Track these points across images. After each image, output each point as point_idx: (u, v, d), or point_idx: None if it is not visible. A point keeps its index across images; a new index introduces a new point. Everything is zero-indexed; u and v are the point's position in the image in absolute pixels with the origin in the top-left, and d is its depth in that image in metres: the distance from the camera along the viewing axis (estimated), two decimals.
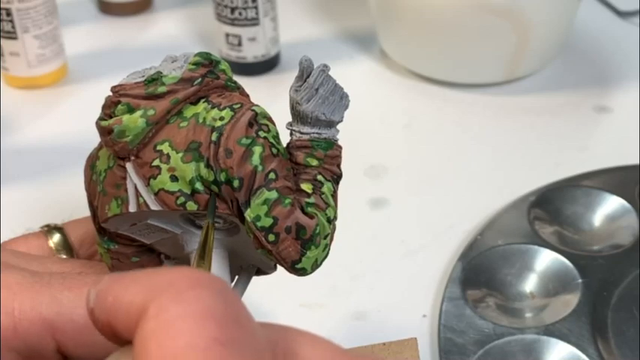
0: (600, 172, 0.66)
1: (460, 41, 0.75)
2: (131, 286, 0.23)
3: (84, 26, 0.89)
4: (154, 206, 0.32)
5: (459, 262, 0.58)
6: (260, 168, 0.31)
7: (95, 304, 0.24)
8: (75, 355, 0.30)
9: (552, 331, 0.53)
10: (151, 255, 0.36)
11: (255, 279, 0.37)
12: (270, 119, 0.33)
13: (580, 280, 0.56)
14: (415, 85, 0.80)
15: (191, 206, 0.32)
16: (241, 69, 0.78)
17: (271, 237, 0.31)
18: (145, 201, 0.32)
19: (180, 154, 0.32)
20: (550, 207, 0.63)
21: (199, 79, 0.33)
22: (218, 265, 0.34)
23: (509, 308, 0.56)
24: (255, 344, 0.23)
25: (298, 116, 0.34)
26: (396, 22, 0.78)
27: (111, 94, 0.33)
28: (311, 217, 0.32)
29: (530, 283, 0.57)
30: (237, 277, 0.36)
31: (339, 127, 0.35)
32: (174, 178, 0.32)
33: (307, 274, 0.33)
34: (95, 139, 0.34)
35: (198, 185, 0.32)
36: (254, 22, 0.77)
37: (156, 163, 0.32)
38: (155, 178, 0.32)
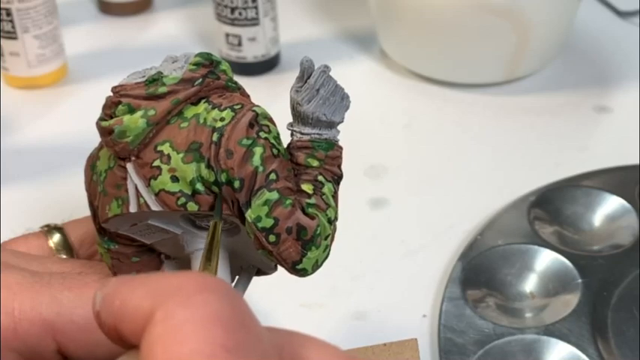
0: (600, 172, 0.66)
1: (460, 41, 0.75)
2: (138, 289, 0.23)
3: (84, 26, 0.89)
4: (155, 207, 0.32)
5: (459, 262, 0.58)
6: (261, 169, 0.31)
7: (102, 308, 0.24)
8: (75, 356, 0.30)
9: (552, 331, 0.53)
10: (152, 255, 0.36)
11: (255, 279, 0.37)
12: (270, 120, 0.33)
13: (580, 280, 0.56)
14: (415, 85, 0.80)
15: (192, 207, 0.32)
16: (241, 69, 0.78)
17: (272, 238, 0.31)
18: (145, 201, 0.32)
19: (181, 155, 0.32)
20: (550, 207, 0.63)
21: (200, 80, 0.33)
22: (219, 266, 0.34)
23: (509, 308, 0.56)
24: (261, 349, 0.23)
25: (299, 117, 0.34)
26: (396, 22, 0.78)
27: (111, 94, 0.33)
28: (312, 217, 0.32)
29: (530, 283, 0.57)
30: (237, 277, 0.36)
31: (339, 127, 0.35)
32: (174, 179, 0.32)
33: (308, 275, 0.33)
34: (95, 139, 0.34)
35: (199, 186, 0.32)
36: (254, 22, 0.77)
37: (156, 163, 0.32)
38: (156, 179, 0.32)
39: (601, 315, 0.54)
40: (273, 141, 0.32)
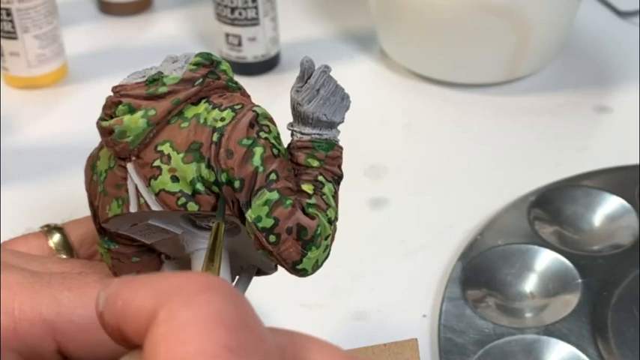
0: (600, 172, 0.66)
1: (460, 41, 0.75)
2: (141, 290, 0.23)
3: (84, 26, 0.89)
4: (155, 207, 0.32)
5: (459, 262, 0.58)
6: (261, 169, 0.31)
7: (104, 308, 0.24)
8: (75, 356, 0.30)
9: (552, 331, 0.53)
10: (152, 255, 0.36)
11: (255, 279, 0.37)
12: (271, 120, 0.33)
13: (580, 280, 0.56)
14: (415, 85, 0.80)
15: (192, 207, 0.32)
16: (241, 69, 0.78)
17: (272, 238, 0.31)
18: (145, 201, 0.32)
19: (181, 155, 0.32)
20: (550, 207, 0.63)
21: (200, 80, 0.33)
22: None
23: (509, 308, 0.56)
24: (264, 349, 0.23)
25: (299, 117, 0.34)
26: (396, 22, 0.78)
27: (112, 94, 0.33)
28: (312, 217, 0.32)
29: (530, 283, 0.57)
30: (237, 277, 0.36)
31: (339, 127, 0.35)
32: (175, 179, 0.32)
33: (308, 275, 0.33)
34: (95, 139, 0.34)
35: (199, 186, 0.32)
36: (254, 22, 0.77)
37: (157, 163, 0.32)
38: (156, 179, 0.32)
39: (601, 315, 0.54)
40: (273, 141, 0.32)
